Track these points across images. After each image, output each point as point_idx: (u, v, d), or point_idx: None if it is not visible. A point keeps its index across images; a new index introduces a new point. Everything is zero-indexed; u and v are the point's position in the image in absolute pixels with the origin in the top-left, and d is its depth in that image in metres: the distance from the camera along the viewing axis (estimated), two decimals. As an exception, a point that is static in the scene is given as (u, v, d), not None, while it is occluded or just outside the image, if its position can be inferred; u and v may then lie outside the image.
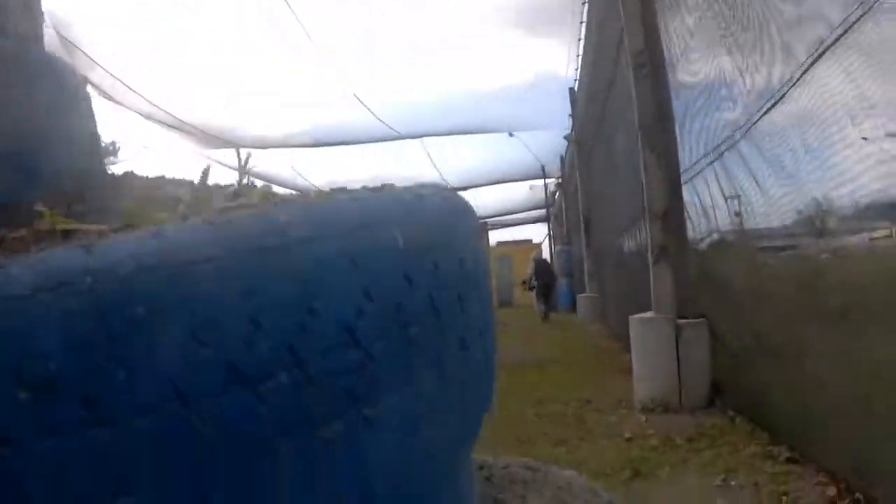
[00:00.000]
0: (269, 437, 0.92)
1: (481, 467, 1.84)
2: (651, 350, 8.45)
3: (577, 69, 22.76)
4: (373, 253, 1.09)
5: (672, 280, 8.66)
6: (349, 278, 1.04)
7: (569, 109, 26.31)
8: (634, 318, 8.75)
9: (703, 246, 8.39)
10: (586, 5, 17.85)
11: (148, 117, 25.92)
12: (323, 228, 1.05)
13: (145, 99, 23.95)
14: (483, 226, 44.78)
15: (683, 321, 8.31)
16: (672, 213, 8.83)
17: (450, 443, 1.21)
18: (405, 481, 1.08)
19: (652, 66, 9.14)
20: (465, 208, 1.47)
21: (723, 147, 7.32)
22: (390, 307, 1.08)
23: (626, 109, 11.97)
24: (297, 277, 0.98)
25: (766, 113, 6.09)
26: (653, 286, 8.75)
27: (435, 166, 32.52)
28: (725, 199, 7.51)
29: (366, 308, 1.04)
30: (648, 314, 8.70)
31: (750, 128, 6.49)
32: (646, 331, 8.55)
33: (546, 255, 46.08)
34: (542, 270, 27.66)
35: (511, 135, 30.12)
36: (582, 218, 24.33)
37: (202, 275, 0.90)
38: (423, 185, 1.37)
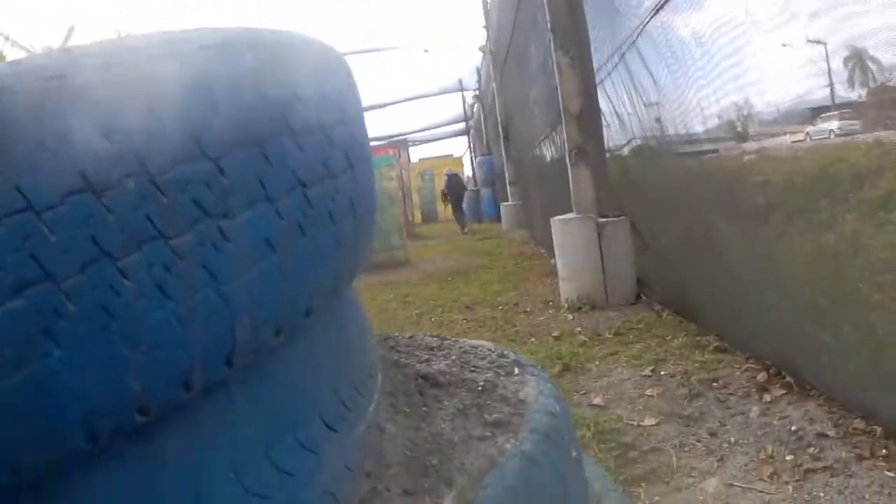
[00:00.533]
0: (118, 247, 0.91)
1: (387, 339, 1.82)
2: (574, 250, 8.47)
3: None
4: (222, 70, 1.09)
5: (591, 179, 8.66)
6: (195, 92, 1.03)
7: (482, 21, 26.15)
8: (556, 220, 8.75)
9: (625, 151, 8.40)
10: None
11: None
12: (172, 47, 1.05)
13: None
14: (403, 142, 44.77)
15: (604, 219, 8.32)
16: (588, 113, 8.81)
17: (319, 270, 1.19)
18: (267, 299, 1.07)
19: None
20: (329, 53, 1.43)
21: (625, 46, 7.33)
22: (241, 122, 1.06)
23: (538, 14, 11.93)
24: (142, 91, 0.97)
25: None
26: (572, 187, 8.74)
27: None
28: (646, 106, 7.51)
29: (213, 121, 1.02)
30: (569, 215, 8.70)
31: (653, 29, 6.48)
32: (567, 231, 8.54)
33: (468, 167, 46.27)
34: (452, 184, 27.62)
35: (426, 51, 29.91)
36: (500, 128, 24.30)
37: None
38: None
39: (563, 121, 8.91)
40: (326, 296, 1.23)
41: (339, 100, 1.34)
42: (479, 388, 1.43)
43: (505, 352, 1.66)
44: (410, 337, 1.80)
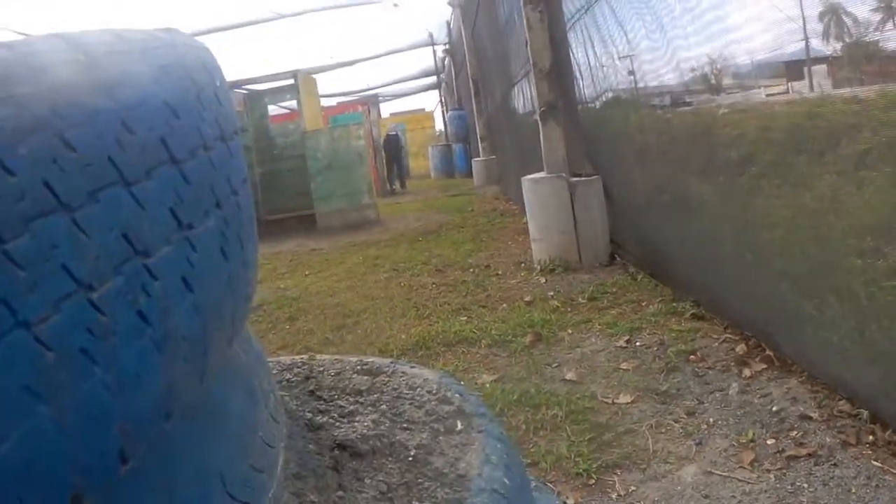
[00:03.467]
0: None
1: (308, 377, 1.56)
2: (545, 210, 8.26)
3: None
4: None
5: (562, 138, 8.47)
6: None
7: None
8: (526, 179, 8.53)
9: (597, 104, 8.17)
10: None
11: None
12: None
13: None
14: (374, 98, 44.43)
15: (577, 179, 8.13)
16: (559, 70, 8.61)
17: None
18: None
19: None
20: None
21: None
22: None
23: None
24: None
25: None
26: (543, 145, 8.55)
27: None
28: (618, 58, 7.30)
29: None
30: (540, 174, 8.49)
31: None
32: (538, 191, 8.32)
33: (439, 122, 46.05)
34: (390, 144, 27.93)
35: (395, 5, 29.54)
36: (471, 82, 24.07)
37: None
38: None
39: (534, 77, 8.69)
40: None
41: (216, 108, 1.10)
42: (410, 458, 1.19)
43: (448, 393, 1.42)
44: (337, 373, 1.54)
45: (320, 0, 27.39)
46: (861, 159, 3.54)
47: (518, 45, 11.94)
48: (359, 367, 1.54)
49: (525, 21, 8.73)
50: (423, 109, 54.83)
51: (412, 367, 1.53)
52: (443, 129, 42.99)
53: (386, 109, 50.21)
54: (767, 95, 5.17)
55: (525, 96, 11.98)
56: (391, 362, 1.57)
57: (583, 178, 8.11)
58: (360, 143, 16.80)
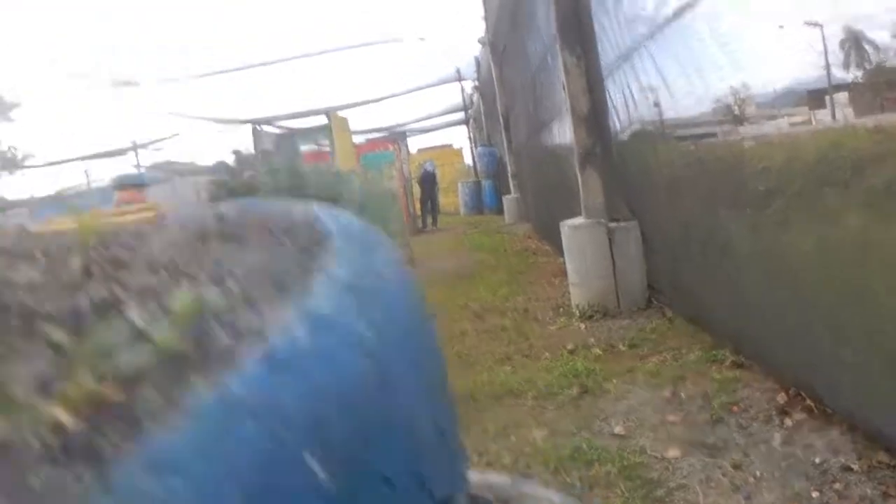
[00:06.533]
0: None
1: None
2: (584, 255, 8.37)
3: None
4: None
5: (601, 183, 8.56)
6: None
7: (480, 12, 26.00)
8: (566, 225, 8.65)
9: (633, 148, 8.24)
10: None
11: None
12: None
13: None
14: (401, 133, 44.73)
15: (615, 224, 8.22)
16: (596, 114, 8.70)
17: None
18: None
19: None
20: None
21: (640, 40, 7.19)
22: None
23: (538, 8, 11.82)
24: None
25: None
26: (581, 191, 8.65)
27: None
28: (643, 91, 7.40)
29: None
30: (579, 220, 8.59)
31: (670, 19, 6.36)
32: (578, 237, 8.44)
33: (468, 157, 46.25)
34: (426, 180, 28.03)
35: (422, 39, 29.81)
36: (501, 119, 24.19)
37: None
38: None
39: (572, 122, 8.80)
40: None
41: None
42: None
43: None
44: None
45: (348, 39, 27.68)
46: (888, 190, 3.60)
47: (550, 84, 12.06)
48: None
49: (562, 65, 8.83)
50: (451, 145, 55.05)
51: (537, 488, 1.46)
52: (471, 165, 43.18)
53: (413, 144, 50.51)
54: (791, 125, 5.26)
55: (558, 136, 12.03)
56: (512, 482, 1.41)
57: (620, 224, 8.20)
58: (392, 183, 16.96)
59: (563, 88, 8.96)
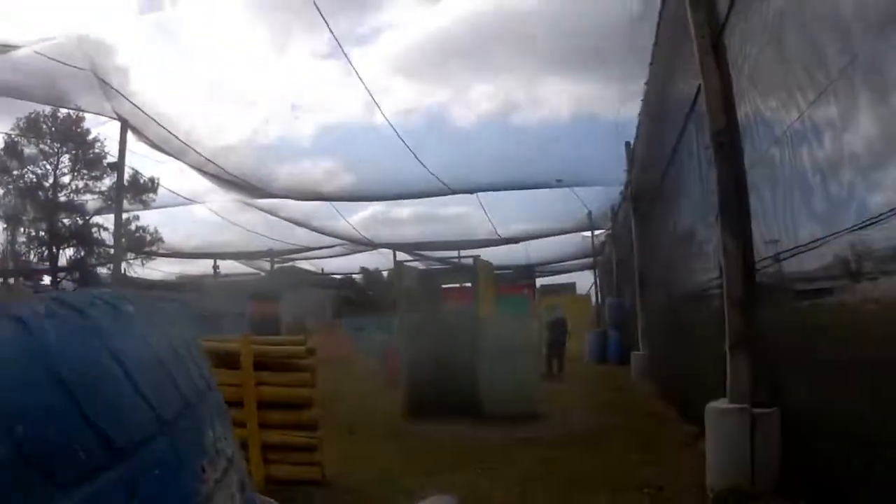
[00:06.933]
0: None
1: None
2: (726, 439, 8.30)
3: (636, 126, 22.61)
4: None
5: (749, 368, 8.51)
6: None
7: (614, 156, 26.20)
8: (711, 408, 8.58)
9: (773, 323, 8.20)
10: (651, 66, 17.78)
11: (185, 162, 26.70)
12: None
13: (183, 142, 24.70)
14: (529, 271, 44.98)
15: (758, 411, 8.14)
16: (750, 299, 8.68)
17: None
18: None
19: (731, 146, 9.01)
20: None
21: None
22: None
23: (691, 177, 11.93)
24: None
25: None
26: (729, 374, 8.59)
27: (487, 214, 32.64)
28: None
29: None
30: (725, 404, 8.53)
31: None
32: (722, 420, 8.39)
33: (592, 302, 46.17)
34: (556, 327, 27.99)
35: (559, 181, 30.04)
36: (637, 274, 24.15)
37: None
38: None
39: (726, 305, 8.79)
40: None
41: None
42: None
43: None
44: None
45: (486, 177, 28.15)
46: None
47: (697, 253, 12.09)
48: None
49: (721, 248, 8.87)
50: (574, 284, 55.13)
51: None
52: (595, 310, 43.12)
53: (538, 281, 50.78)
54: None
55: (704, 311, 11.97)
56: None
57: (764, 411, 8.12)
58: (531, 334, 17.00)
59: (721, 270, 8.97)
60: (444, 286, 21.03)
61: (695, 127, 11.46)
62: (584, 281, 53.37)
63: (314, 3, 17.17)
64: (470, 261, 18.71)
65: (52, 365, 1.70)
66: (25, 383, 1.63)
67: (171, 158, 27.97)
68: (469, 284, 19.05)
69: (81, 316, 1.98)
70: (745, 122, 8.82)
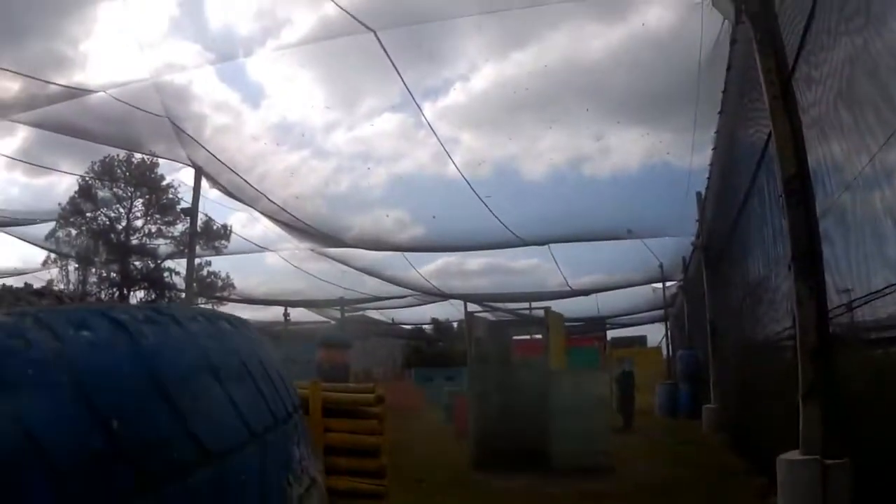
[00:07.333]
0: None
1: None
2: (798, 492, 8.18)
3: (707, 178, 22.51)
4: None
5: (820, 419, 8.34)
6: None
7: (685, 208, 26.03)
8: (782, 460, 8.45)
9: (859, 387, 8.04)
10: (720, 114, 17.73)
11: (258, 209, 27.07)
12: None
13: (256, 189, 25.05)
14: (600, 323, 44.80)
15: (830, 462, 7.99)
16: (823, 349, 8.52)
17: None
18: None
19: (803, 193, 8.90)
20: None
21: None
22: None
23: (763, 226, 11.80)
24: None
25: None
26: (801, 425, 8.44)
27: (558, 266, 32.61)
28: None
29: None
30: (796, 455, 8.39)
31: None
32: (793, 472, 8.31)
33: (663, 354, 45.69)
34: (624, 381, 27.80)
35: (629, 231, 29.87)
36: (708, 326, 23.89)
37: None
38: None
39: (799, 355, 8.64)
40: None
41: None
42: None
43: None
44: None
45: (558, 229, 28.13)
46: None
47: (769, 303, 11.93)
48: None
49: (795, 297, 8.73)
50: (645, 337, 54.68)
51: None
52: (666, 362, 42.63)
53: (608, 334, 50.48)
54: None
55: (774, 361, 11.80)
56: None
57: (835, 462, 7.96)
58: (602, 389, 16.91)
59: (793, 319, 8.83)
60: (514, 337, 21.01)
61: (765, 174, 11.37)
62: (655, 334, 53.01)
63: (387, 54, 17.33)
64: (541, 312, 18.58)
65: (150, 368, 1.87)
66: (124, 383, 1.79)
67: (244, 206, 28.37)
68: (539, 336, 18.94)
69: (181, 327, 2.19)
70: (817, 167, 8.71)
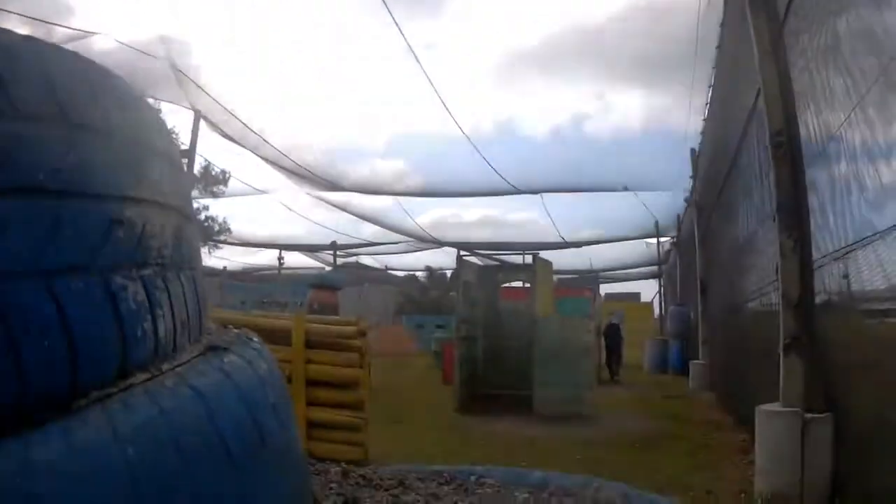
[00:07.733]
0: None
1: None
2: (775, 444, 8.17)
3: (700, 133, 22.45)
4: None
5: (802, 372, 8.33)
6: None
7: (682, 165, 26.01)
8: (761, 410, 8.44)
9: (842, 340, 8.01)
10: (715, 70, 17.68)
11: (259, 155, 26.94)
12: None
13: (259, 136, 24.89)
14: (594, 278, 44.84)
15: (810, 416, 7.96)
16: (806, 302, 8.51)
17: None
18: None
19: (790, 147, 8.85)
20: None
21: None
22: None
23: (753, 181, 11.76)
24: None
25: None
26: (782, 378, 8.44)
27: (550, 218, 32.55)
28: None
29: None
30: (776, 407, 8.37)
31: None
32: (772, 424, 8.26)
33: (656, 312, 45.73)
34: (611, 333, 28.11)
35: (625, 188, 29.81)
36: (699, 282, 23.87)
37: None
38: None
39: (781, 308, 8.64)
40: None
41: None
42: None
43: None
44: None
45: (552, 179, 28.08)
46: None
47: (758, 260, 11.90)
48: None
49: (779, 249, 8.70)
50: (639, 294, 54.82)
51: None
52: (658, 320, 42.68)
53: (602, 289, 50.53)
54: None
55: (761, 315, 11.80)
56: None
57: (816, 416, 7.94)
58: (588, 337, 16.93)
59: (776, 272, 8.82)
60: (503, 284, 21.01)
61: (755, 128, 11.32)
62: (650, 291, 53.16)
63: (385, 6, 17.20)
64: (529, 259, 18.61)
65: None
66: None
67: (246, 151, 28.29)
68: (529, 284, 18.96)
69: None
70: (804, 120, 8.67)
